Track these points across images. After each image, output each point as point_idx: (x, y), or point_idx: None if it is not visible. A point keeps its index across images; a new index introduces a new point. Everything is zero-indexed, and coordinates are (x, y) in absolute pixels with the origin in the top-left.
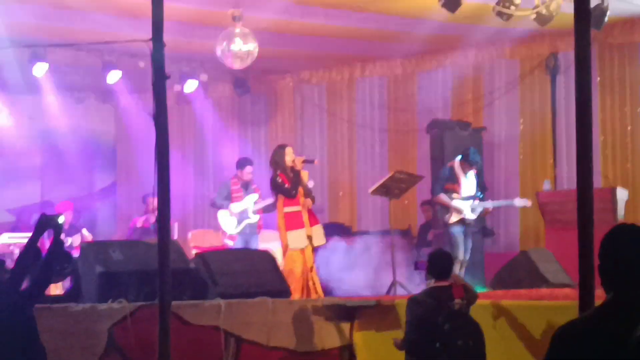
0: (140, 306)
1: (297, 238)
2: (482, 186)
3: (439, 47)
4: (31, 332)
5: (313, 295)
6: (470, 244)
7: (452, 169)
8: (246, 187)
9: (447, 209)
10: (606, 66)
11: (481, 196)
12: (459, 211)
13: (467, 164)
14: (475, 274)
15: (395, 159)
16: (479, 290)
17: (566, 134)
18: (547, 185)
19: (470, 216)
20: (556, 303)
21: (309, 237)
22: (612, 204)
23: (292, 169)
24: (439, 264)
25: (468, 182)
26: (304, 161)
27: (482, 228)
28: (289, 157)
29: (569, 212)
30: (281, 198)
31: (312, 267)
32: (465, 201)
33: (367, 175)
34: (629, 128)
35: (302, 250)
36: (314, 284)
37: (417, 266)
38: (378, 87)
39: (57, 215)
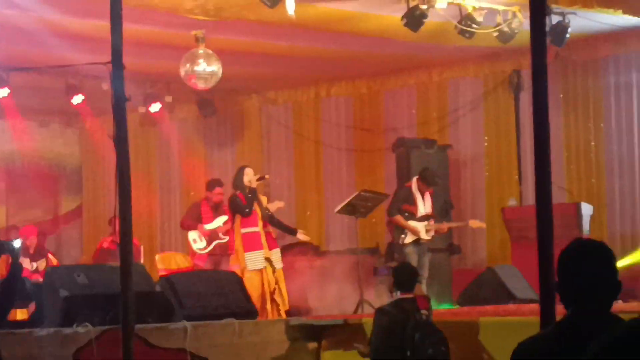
0: (105, 330)
1: (255, 259)
2: (448, 204)
3: (404, 66)
4: None
5: (274, 318)
6: (427, 262)
7: (409, 189)
8: (216, 208)
9: (403, 229)
10: (569, 82)
11: (435, 217)
12: (415, 232)
13: (424, 184)
14: (442, 290)
15: (362, 178)
16: (447, 307)
17: (530, 150)
18: (512, 202)
19: (425, 237)
20: (523, 319)
21: (268, 259)
22: (576, 219)
23: (250, 188)
24: (403, 276)
25: (424, 203)
26: (258, 179)
27: (449, 245)
28: (247, 177)
29: (534, 228)
30: (238, 218)
31: (276, 289)
32: (421, 222)
33: (334, 195)
34: (592, 143)
35: (261, 272)
36: (277, 305)
37: (375, 272)
38: (344, 107)
39: (12, 241)
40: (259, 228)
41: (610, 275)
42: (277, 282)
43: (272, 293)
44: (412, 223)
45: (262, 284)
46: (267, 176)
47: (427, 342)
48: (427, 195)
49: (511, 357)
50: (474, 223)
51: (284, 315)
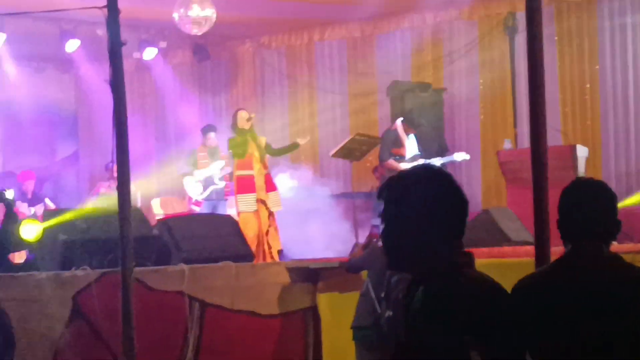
0: (103, 273)
1: (247, 201)
2: (443, 147)
3: (397, 9)
4: None
5: (267, 259)
6: None
7: (396, 132)
8: (212, 154)
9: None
10: (564, 24)
11: (421, 154)
12: None
13: (410, 126)
14: None
15: (356, 122)
16: None
17: (526, 93)
18: (507, 144)
19: None
20: (518, 260)
21: (263, 202)
22: (572, 162)
23: (242, 130)
24: None
25: (411, 144)
26: (247, 120)
27: None
28: (241, 119)
29: (529, 171)
30: (236, 161)
31: (269, 232)
32: (411, 163)
33: (328, 139)
34: (587, 85)
35: (256, 214)
36: (269, 247)
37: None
38: (337, 51)
39: (5, 190)
40: (254, 171)
41: (609, 213)
42: (270, 225)
43: (265, 234)
44: (403, 165)
45: (259, 226)
46: (252, 115)
47: (400, 286)
48: (412, 137)
49: (511, 294)
50: (459, 156)
51: (276, 257)
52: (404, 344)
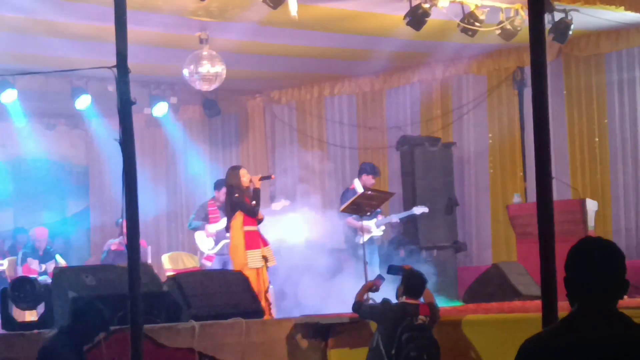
0: (114, 330)
1: (256, 258)
2: (452, 201)
3: (407, 64)
4: None
5: (267, 316)
6: (377, 258)
7: (354, 191)
8: (223, 208)
9: (356, 230)
10: (573, 78)
11: (380, 211)
12: (368, 231)
13: (369, 175)
14: (448, 288)
15: None
16: (453, 304)
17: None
18: (517, 199)
19: (377, 233)
20: (528, 315)
21: (265, 258)
22: (582, 215)
23: (252, 189)
24: (411, 283)
25: None
26: (261, 178)
27: (454, 242)
28: (245, 178)
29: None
30: (239, 216)
31: (267, 289)
32: (371, 220)
33: (338, 193)
34: (596, 139)
35: (258, 270)
36: (269, 304)
37: (389, 270)
38: (347, 105)
39: None
40: (257, 227)
41: (618, 274)
42: (269, 281)
43: (265, 291)
44: (363, 222)
45: (260, 283)
46: (273, 176)
47: (412, 344)
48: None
49: (517, 354)
50: (418, 209)
51: (273, 315)
52: None
